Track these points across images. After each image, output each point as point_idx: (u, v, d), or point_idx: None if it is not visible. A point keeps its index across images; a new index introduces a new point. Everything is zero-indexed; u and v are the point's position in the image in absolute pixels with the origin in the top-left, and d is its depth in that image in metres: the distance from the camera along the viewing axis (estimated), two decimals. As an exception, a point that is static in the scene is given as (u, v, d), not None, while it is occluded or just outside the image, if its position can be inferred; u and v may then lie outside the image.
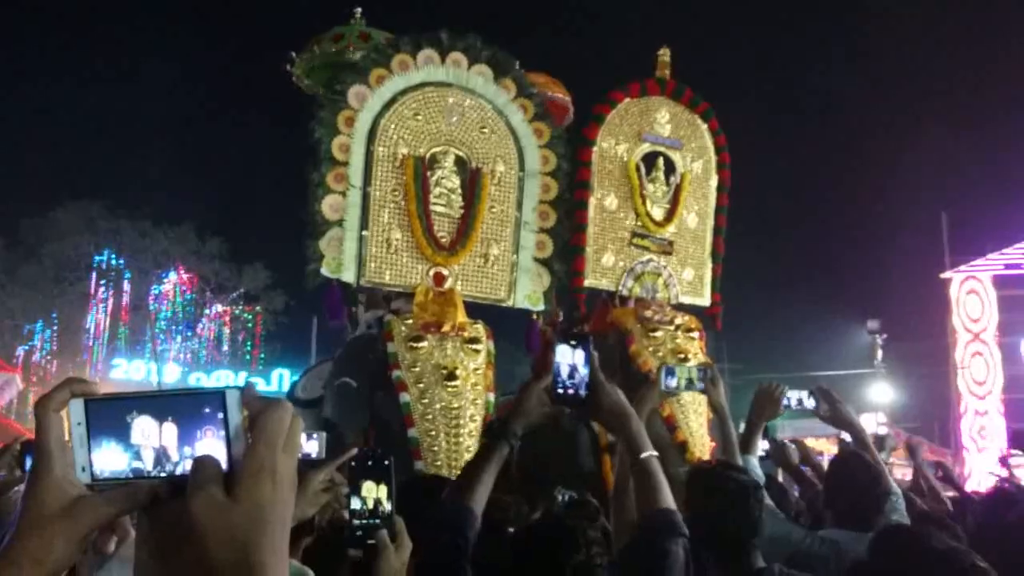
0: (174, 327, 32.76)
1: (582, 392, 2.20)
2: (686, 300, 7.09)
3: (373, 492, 2.03)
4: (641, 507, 2.17)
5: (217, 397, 0.88)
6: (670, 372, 3.84)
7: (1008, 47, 36.56)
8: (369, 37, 7.02)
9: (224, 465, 0.85)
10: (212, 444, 0.87)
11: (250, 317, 34.31)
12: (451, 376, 5.69)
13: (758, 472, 3.71)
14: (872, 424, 17.78)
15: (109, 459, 0.88)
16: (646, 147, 7.10)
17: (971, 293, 20.08)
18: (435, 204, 6.27)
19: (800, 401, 4.10)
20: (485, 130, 6.49)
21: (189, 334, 33.39)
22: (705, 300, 7.24)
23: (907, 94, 46.09)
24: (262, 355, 34.16)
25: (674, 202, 7.10)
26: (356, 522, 2.01)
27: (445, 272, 6.22)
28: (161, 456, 0.88)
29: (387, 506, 2.03)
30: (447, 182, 6.34)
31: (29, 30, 44.31)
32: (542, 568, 2.04)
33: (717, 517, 2.73)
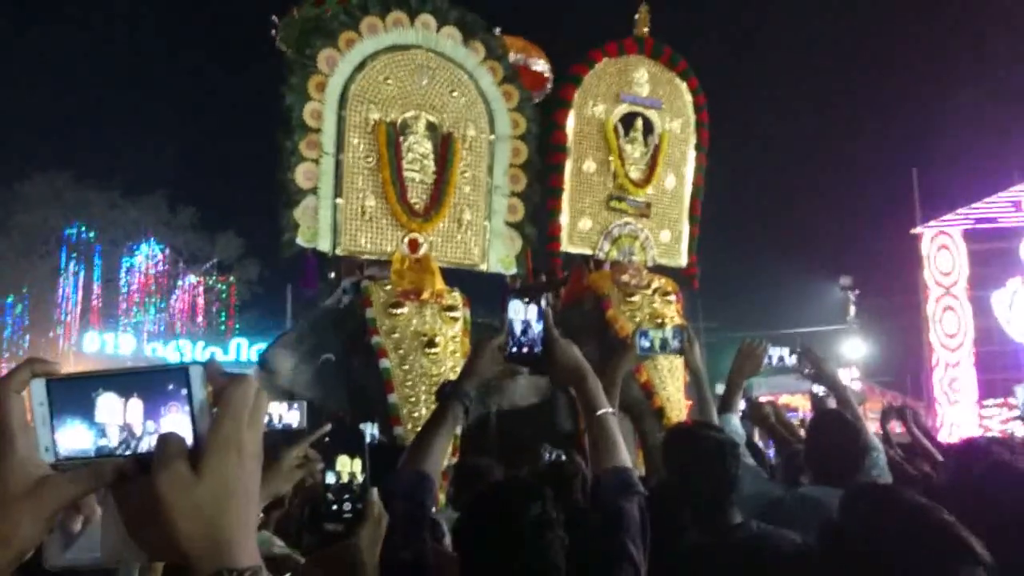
0: (147, 299, 32.46)
1: (536, 349, 2.15)
2: (663, 262, 7.10)
3: (348, 466, 2.05)
4: (596, 465, 2.13)
5: (181, 373, 0.88)
6: (644, 335, 3.86)
7: (975, 3, 36.67)
8: (349, 1, 6.91)
9: (189, 441, 0.85)
10: (177, 420, 0.87)
11: (224, 288, 34.06)
12: (431, 343, 5.70)
13: (739, 431, 3.73)
14: (846, 379, 17.99)
15: (74, 438, 0.88)
16: (624, 108, 7.06)
17: (942, 248, 20.27)
18: (408, 170, 6.23)
19: (782, 359, 4.13)
20: (455, 93, 6.44)
21: (163, 306, 33.11)
22: (682, 261, 7.25)
23: (876, 51, 46.18)
24: (237, 325, 33.97)
25: (652, 163, 7.08)
26: (331, 496, 2.03)
27: (420, 239, 6.19)
28: (126, 433, 0.88)
29: (361, 479, 2.05)
30: (419, 147, 6.30)
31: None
32: (498, 523, 2.03)
33: (693, 475, 2.76)
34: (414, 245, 6.17)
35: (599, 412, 2.15)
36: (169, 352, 29.18)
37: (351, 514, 2.05)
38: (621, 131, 7.01)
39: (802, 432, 5.39)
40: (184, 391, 0.87)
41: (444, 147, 6.34)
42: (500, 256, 6.55)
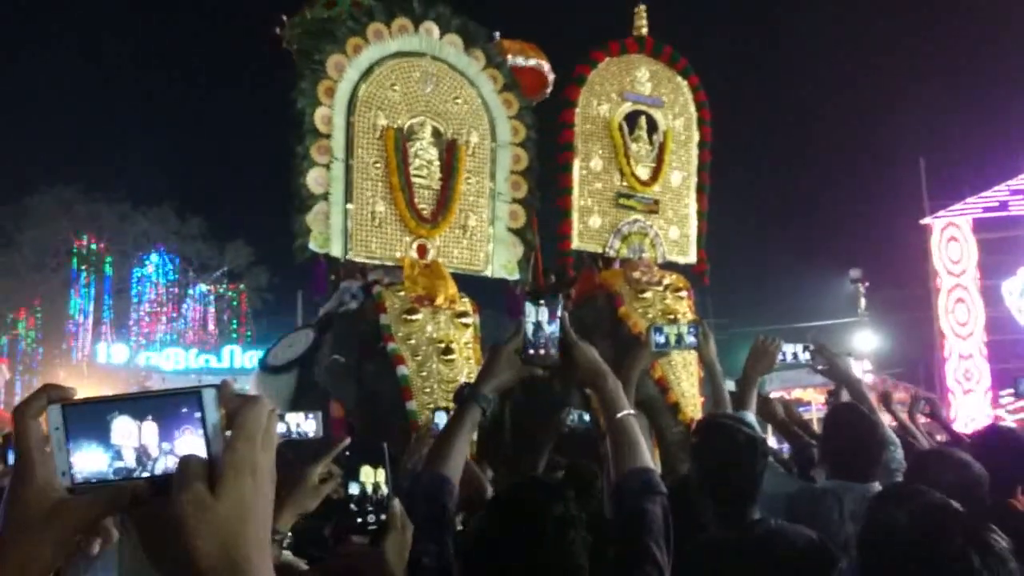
0: (159, 308, 32.59)
1: (553, 352, 2.13)
2: (673, 259, 7.11)
3: (371, 476, 2.05)
4: (618, 467, 2.11)
5: (194, 397, 0.89)
6: (659, 331, 3.86)
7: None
8: (360, 5, 6.93)
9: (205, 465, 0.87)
10: (191, 442, 0.88)
11: (234, 295, 34.18)
12: (448, 350, 5.73)
13: (756, 427, 3.74)
14: (858, 372, 17.95)
15: (90, 461, 0.89)
16: (628, 106, 7.08)
17: (951, 239, 20.22)
18: (415, 176, 6.27)
19: (795, 355, 4.13)
20: (459, 100, 6.51)
21: (174, 315, 33.24)
22: (691, 258, 7.26)
23: (883, 42, 46.02)
24: (248, 332, 34.08)
25: (659, 161, 7.10)
26: (355, 507, 2.03)
27: (428, 244, 6.24)
28: (142, 455, 0.89)
29: (385, 489, 2.05)
30: (425, 154, 6.35)
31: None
32: (520, 523, 2.03)
33: (727, 469, 2.77)
34: (422, 250, 6.22)
35: (620, 414, 2.13)
36: (162, 360, 29.31)
37: (376, 525, 2.04)
38: (626, 129, 7.03)
39: (816, 428, 5.41)
40: (197, 414, 0.88)
41: (449, 153, 6.40)
42: (503, 261, 6.60)
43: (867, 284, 26.04)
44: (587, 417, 4.10)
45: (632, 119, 7.10)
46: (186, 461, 0.86)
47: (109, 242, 31.05)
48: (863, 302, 25.98)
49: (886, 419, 4.65)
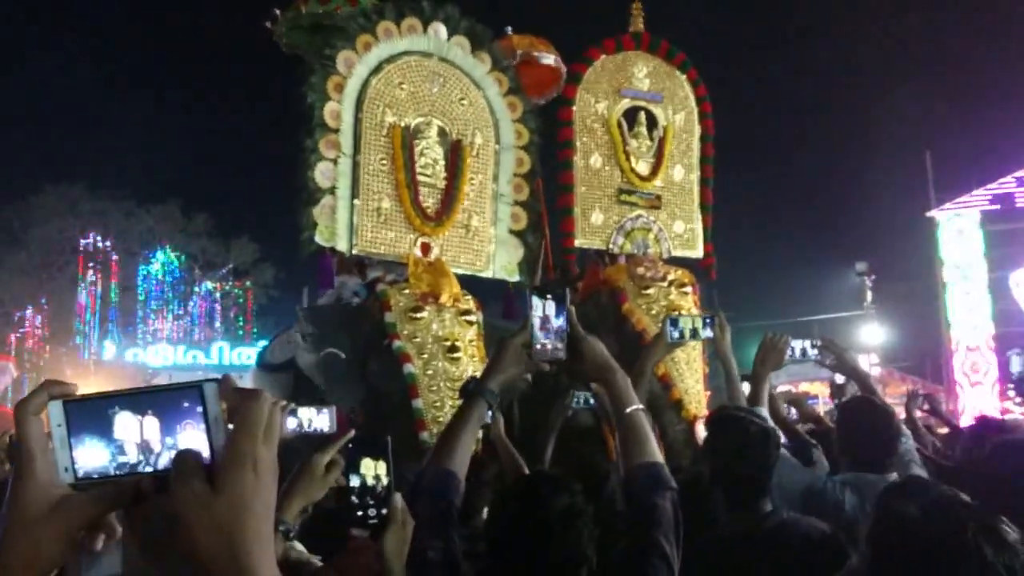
0: (165, 306, 32.69)
1: (560, 346, 2.11)
2: (679, 253, 7.09)
3: (372, 469, 2.05)
4: (627, 462, 2.12)
5: (195, 391, 0.90)
6: (674, 323, 3.82)
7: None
8: (357, 1, 6.92)
9: (206, 456, 0.88)
10: (193, 436, 0.89)
11: (240, 292, 34.25)
12: (453, 348, 5.75)
13: (768, 420, 3.74)
14: (864, 366, 17.93)
15: (92, 456, 0.89)
16: (626, 102, 7.07)
17: (957, 231, 20.17)
18: (421, 174, 6.28)
19: (804, 351, 4.14)
20: (464, 101, 6.53)
21: (180, 312, 33.33)
22: (698, 252, 7.24)
23: (889, 33, 45.88)
24: (255, 329, 34.16)
25: (659, 156, 7.08)
26: (356, 500, 2.03)
27: (431, 242, 6.25)
28: (144, 449, 0.90)
29: (385, 482, 2.05)
30: (431, 152, 6.36)
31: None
32: (527, 515, 2.04)
33: (740, 460, 2.79)
34: (426, 248, 6.22)
35: (629, 409, 2.13)
36: (150, 356, 29.41)
37: (376, 519, 2.03)
38: (625, 126, 7.02)
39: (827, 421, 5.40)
40: (199, 408, 0.89)
41: (454, 153, 6.41)
42: (504, 263, 6.60)
43: (873, 277, 26.02)
44: (592, 400, 4.06)
45: (631, 115, 7.08)
46: (183, 457, 0.87)
47: (115, 240, 31.12)
48: (869, 295, 25.95)
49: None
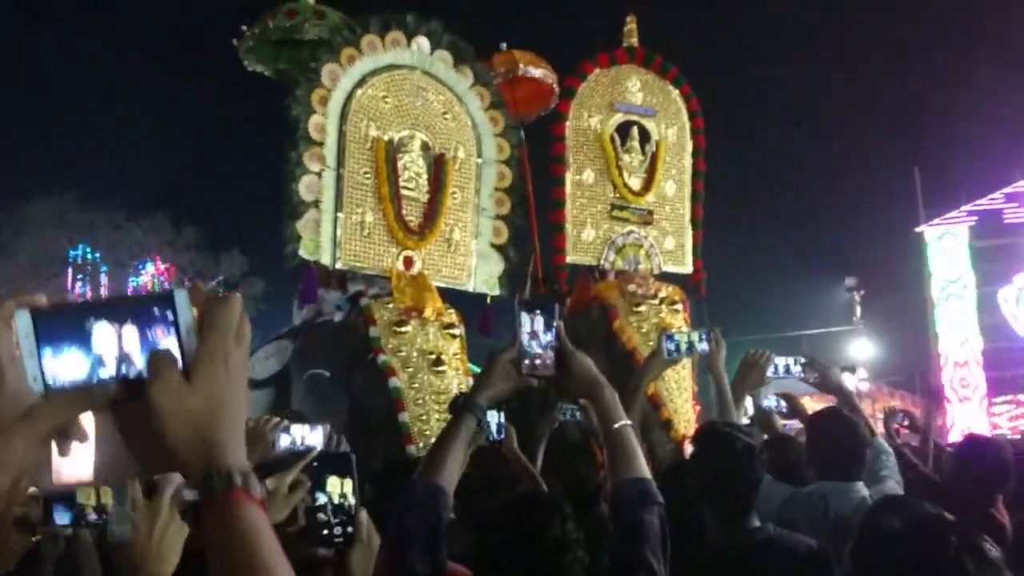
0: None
1: (549, 362, 2.12)
2: (669, 269, 7.10)
3: (338, 487, 2.02)
4: (614, 477, 2.13)
5: (167, 299, 0.90)
6: (670, 338, 3.84)
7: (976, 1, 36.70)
8: (324, 16, 6.89)
9: (179, 362, 0.89)
10: (165, 343, 0.90)
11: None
12: (438, 361, 5.76)
13: (752, 435, 3.73)
14: (853, 381, 17.97)
15: (69, 367, 0.90)
16: (619, 117, 7.08)
17: (946, 246, 20.24)
18: (404, 188, 6.28)
19: (787, 368, 4.13)
20: (447, 116, 6.56)
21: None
22: (687, 268, 7.25)
23: (877, 49, 46.22)
24: (245, 342, 34.08)
25: (651, 171, 7.09)
26: (322, 517, 2.00)
27: (414, 256, 6.24)
28: (120, 359, 0.90)
29: (352, 500, 2.02)
30: (414, 166, 6.38)
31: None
32: (517, 543, 2.02)
33: (727, 476, 2.79)
34: (408, 262, 6.22)
35: (617, 425, 2.14)
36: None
37: (342, 538, 2.01)
38: (618, 140, 7.03)
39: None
40: (170, 315, 0.90)
41: (437, 167, 6.43)
42: (484, 276, 6.62)
43: (862, 292, 26.10)
44: (579, 414, 4.08)
45: (624, 129, 7.10)
46: (156, 354, 0.89)
47: (104, 252, 31.05)
48: (859, 310, 26.03)
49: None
